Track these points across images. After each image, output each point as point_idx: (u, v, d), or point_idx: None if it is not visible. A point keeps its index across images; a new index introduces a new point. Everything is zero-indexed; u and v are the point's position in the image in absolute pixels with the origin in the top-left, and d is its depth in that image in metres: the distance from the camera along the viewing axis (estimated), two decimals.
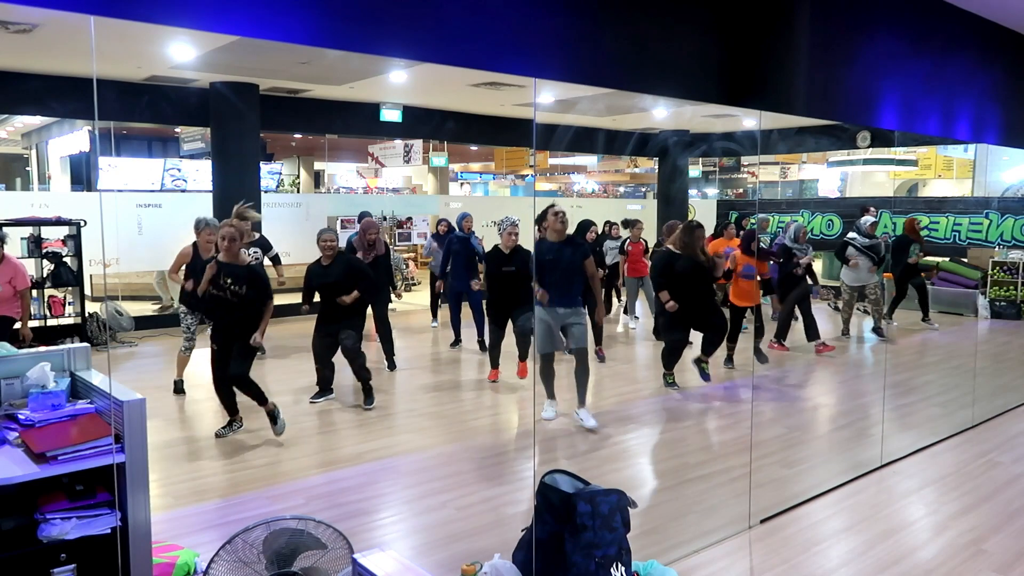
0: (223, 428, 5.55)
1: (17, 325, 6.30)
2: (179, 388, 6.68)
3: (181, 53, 8.26)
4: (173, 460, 5.07)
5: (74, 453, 2.44)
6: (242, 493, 4.50)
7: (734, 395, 6.95)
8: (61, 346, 2.97)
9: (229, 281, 5.26)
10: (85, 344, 3.02)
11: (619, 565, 3.16)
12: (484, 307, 7.48)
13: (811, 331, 8.48)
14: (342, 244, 7.62)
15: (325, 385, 6.48)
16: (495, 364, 7.20)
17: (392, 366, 7.65)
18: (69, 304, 8.46)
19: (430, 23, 3.06)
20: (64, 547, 2.44)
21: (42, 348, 3.00)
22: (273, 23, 2.65)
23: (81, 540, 2.45)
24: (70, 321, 8.38)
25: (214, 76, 9.76)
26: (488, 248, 7.19)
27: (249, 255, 5.60)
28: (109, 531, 2.48)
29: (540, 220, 6.02)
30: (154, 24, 2.44)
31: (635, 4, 3.89)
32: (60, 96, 9.14)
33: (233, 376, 5.34)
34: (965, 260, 12.07)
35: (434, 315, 10.31)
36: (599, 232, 8.67)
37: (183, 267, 6.51)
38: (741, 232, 8.74)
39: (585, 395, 5.84)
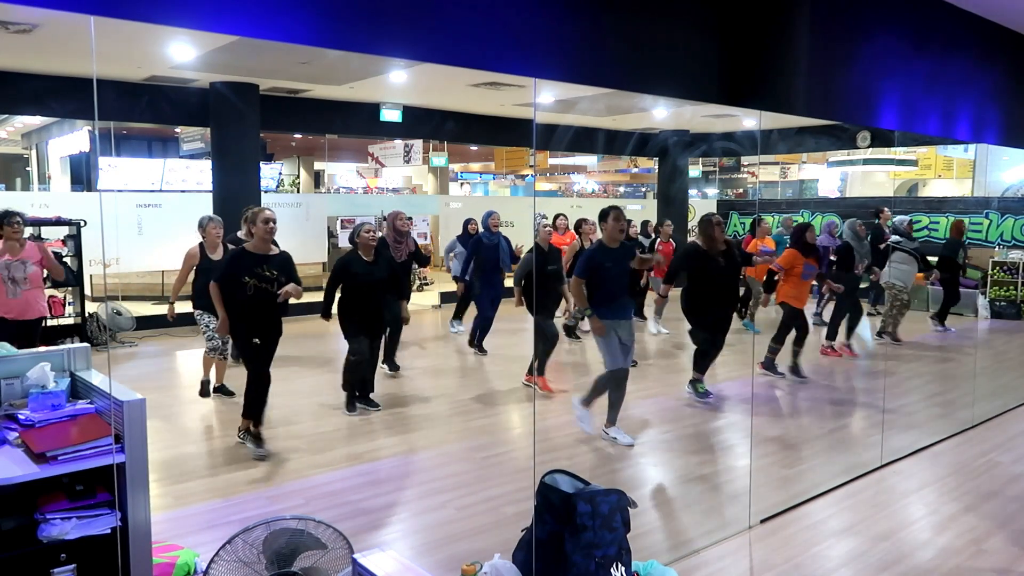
0: (244, 436, 5.22)
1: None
2: (206, 390, 6.34)
3: (181, 53, 8.26)
4: (173, 460, 5.07)
5: (74, 453, 2.44)
6: (242, 493, 4.50)
7: (734, 395, 6.94)
8: (61, 346, 2.97)
9: (275, 272, 5.02)
10: (85, 344, 3.02)
11: (619, 565, 3.16)
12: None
13: (852, 331, 8.36)
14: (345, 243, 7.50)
15: (367, 389, 6.11)
16: (542, 371, 6.72)
17: (393, 366, 7.53)
18: (69, 304, 8.46)
19: (430, 23, 3.06)
20: (64, 547, 2.44)
21: (42, 348, 3.00)
22: (273, 23, 2.65)
23: (81, 540, 2.45)
24: (70, 321, 8.39)
25: (214, 76, 9.76)
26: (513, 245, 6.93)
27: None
28: (109, 531, 2.48)
29: (603, 218, 5.43)
30: (154, 24, 2.44)
31: (635, 4, 3.89)
32: (60, 96, 9.14)
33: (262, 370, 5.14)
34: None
35: (458, 317, 9.43)
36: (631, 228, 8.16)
37: (193, 268, 6.27)
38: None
39: (617, 414, 5.52)
